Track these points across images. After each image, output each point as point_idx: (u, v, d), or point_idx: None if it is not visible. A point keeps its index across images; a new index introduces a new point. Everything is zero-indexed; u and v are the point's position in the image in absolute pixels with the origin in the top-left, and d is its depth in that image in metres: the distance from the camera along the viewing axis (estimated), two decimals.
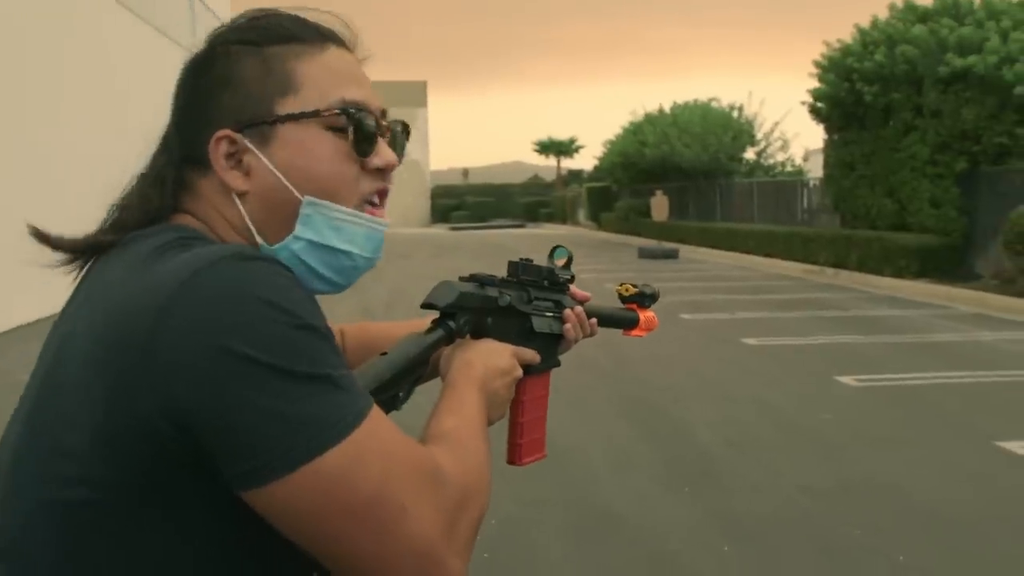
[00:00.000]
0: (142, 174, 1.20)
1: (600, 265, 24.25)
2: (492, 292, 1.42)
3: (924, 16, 19.49)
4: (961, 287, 16.51)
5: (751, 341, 11.74)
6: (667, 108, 37.47)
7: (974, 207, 18.25)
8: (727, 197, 31.66)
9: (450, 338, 1.34)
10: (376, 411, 1.03)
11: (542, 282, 1.54)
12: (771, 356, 10.78)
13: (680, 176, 34.34)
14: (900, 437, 7.19)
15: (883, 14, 20.68)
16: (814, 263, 21.13)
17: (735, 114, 35.13)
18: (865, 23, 20.91)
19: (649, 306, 1.86)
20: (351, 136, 1.16)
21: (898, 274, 18.16)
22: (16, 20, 12.06)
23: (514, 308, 1.45)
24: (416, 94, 61.04)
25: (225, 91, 1.15)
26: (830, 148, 22.42)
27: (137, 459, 0.98)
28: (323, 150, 1.15)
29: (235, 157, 1.15)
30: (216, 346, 0.94)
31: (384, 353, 1.25)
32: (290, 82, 1.15)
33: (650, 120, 37.18)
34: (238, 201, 1.16)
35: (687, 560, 4.88)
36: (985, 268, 17.67)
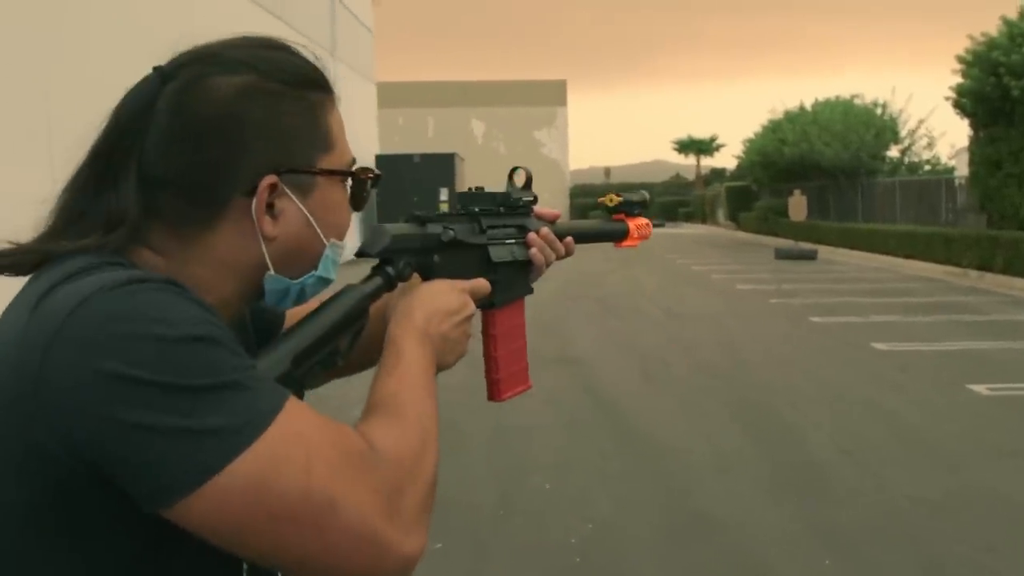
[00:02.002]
0: (80, 197, 1.13)
1: (736, 265, 23.86)
2: (435, 229, 1.35)
3: None
4: None
5: (881, 346, 11.33)
6: (808, 105, 36.58)
7: None
8: (868, 196, 30.70)
9: (390, 285, 1.30)
10: (291, 404, 1.00)
11: (497, 209, 1.47)
12: (901, 362, 10.37)
13: (820, 175, 33.46)
14: None
15: None
16: (957, 265, 20.30)
17: (879, 111, 34.01)
18: (1013, 14, 19.96)
19: (639, 213, 1.77)
20: (350, 191, 1.22)
21: None
22: (143, 19, 12.47)
23: (462, 242, 1.38)
24: (556, 93, 61.20)
25: (267, 134, 1.12)
26: (975, 145, 21.49)
27: (40, 485, 0.97)
28: (342, 202, 1.20)
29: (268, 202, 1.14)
30: (100, 370, 0.93)
31: (319, 309, 1.22)
32: (327, 137, 1.18)
33: (790, 118, 36.34)
34: (264, 247, 1.13)
35: (783, 570, 4.73)
36: None
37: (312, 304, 1.25)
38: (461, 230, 1.39)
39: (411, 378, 1.18)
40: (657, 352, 10.97)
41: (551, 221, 1.56)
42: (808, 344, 11.46)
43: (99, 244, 1.08)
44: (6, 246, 1.12)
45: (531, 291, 1.53)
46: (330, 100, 1.19)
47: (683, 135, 71.65)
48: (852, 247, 26.97)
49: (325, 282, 1.22)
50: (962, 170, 26.77)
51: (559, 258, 1.56)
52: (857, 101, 34.86)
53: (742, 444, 6.98)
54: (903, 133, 33.67)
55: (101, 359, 0.93)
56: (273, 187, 1.12)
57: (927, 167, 33.08)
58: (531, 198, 1.52)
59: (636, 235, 1.77)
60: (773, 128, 37.26)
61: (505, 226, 1.48)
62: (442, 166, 29.95)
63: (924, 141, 33.53)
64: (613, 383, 9.37)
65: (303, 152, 1.15)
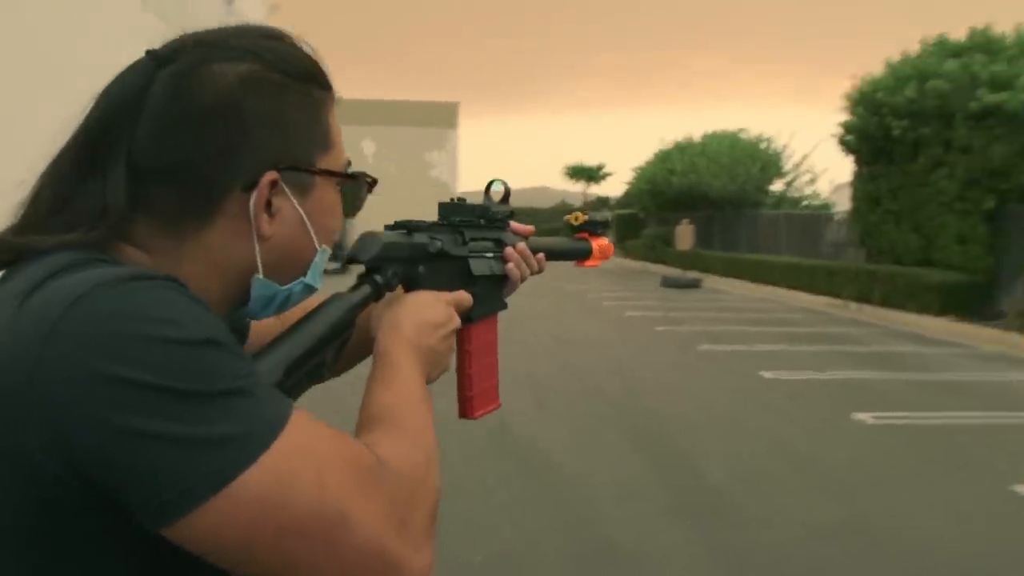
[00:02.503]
0: (58, 186, 1.04)
1: (625, 292, 24.17)
2: (421, 239, 1.32)
3: (956, 51, 19.31)
4: (985, 326, 16.27)
5: (767, 374, 11.57)
6: (697, 137, 37.40)
7: (1001, 245, 18.00)
8: (753, 228, 31.47)
9: (378, 294, 1.25)
10: (298, 414, 0.94)
11: (477, 221, 1.44)
12: (788, 391, 10.60)
13: (707, 205, 34.21)
14: (915, 477, 7.02)
15: (914, 49, 20.53)
16: (838, 297, 20.93)
17: (764, 145, 34.98)
18: (896, 58, 20.76)
19: (602, 233, 1.76)
20: (344, 196, 1.17)
21: (922, 311, 17.94)
22: (29, 20, 12.05)
23: (447, 253, 1.35)
24: (447, 115, 61.28)
25: (270, 127, 1.06)
26: (858, 182, 22.23)
27: (25, 501, 0.89)
28: (336, 206, 1.15)
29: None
30: (102, 374, 0.85)
31: (307, 317, 1.16)
32: (327, 136, 1.12)
33: (679, 148, 37.12)
34: (257, 247, 1.07)
35: None
36: (1011, 307, 17.41)
37: (296, 312, 1.20)
38: (446, 241, 1.36)
39: (408, 392, 1.14)
40: (549, 380, 10.97)
41: (525, 237, 1.53)
42: (697, 372, 11.63)
43: (83, 240, 1.00)
44: None
45: (505, 306, 1.51)
46: (330, 97, 1.14)
47: (571, 162, 72.49)
48: (737, 277, 27.60)
49: (311, 290, 1.16)
50: (842, 205, 27.65)
51: (532, 274, 1.53)
52: (743, 135, 35.82)
53: (640, 471, 7.01)
54: (787, 168, 34.68)
55: (104, 360, 0.86)
56: (273, 183, 1.05)
57: (808, 201, 34.11)
58: (508, 212, 1.49)
59: (598, 255, 1.75)
60: (662, 158, 38.00)
61: (484, 239, 1.45)
62: None
63: (807, 176, 34.58)
64: (507, 410, 9.31)
65: (304, 149, 1.09)
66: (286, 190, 1.07)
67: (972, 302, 17.80)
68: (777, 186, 34.92)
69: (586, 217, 1.74)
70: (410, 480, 1.01)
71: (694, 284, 26.57)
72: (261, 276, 1.08)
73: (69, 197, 1.02)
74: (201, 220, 1.04)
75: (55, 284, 0.92)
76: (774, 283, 24.85)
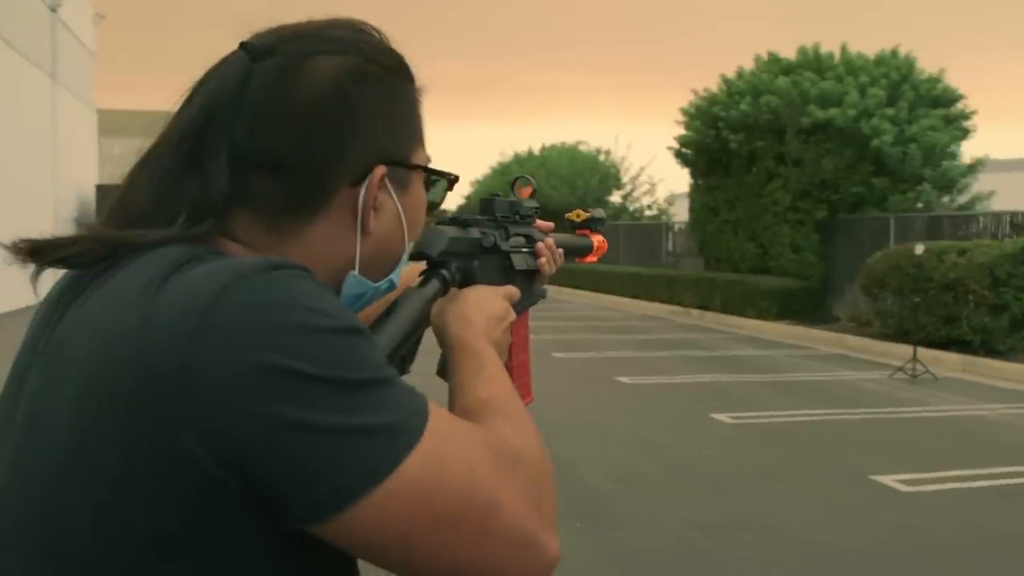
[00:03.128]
0: (160, 180, 1.02)
1: None
2: (475, 233, 1.34)
3: (787, 69, 20.26)
4: (820, 329, 17.09)
5: (625, 379, 11.87)
6: (536, 150, 37.93)
7: (832, 253, 18.98)
8: None
9: (445, 289, 1.27)
10: (432, 403, 0.94)
11: (514, 217, 1.47)
12: (646, 394, 10.92)
13: (547, 217, 34.65)
14: (780, 472, 7.35)
15: (748, 65, 21.42)
16: (679, 304, 21.59)
17: (602, 158, 35.78)
18: (731, 73, 21.63)
19: (600, 230, 1.81)
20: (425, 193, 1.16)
21: (760, 316, 18.71)
22: None
23: (498, 248, 1.38)
24: None
25: (380, 122, 1.05)
26: (695, 193, 23.01)
27: (174, 505, 0.86)
28: (423, 203, 1.14)
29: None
30: (260, 365, 0.84)
31: (387, 313, 1.16)
32: (421, 130, 1.12)
33: (518, 161, 37.57)
34: (359, 244, 1.05)
35: None
36: (842, 311, 18.37)
37: (372, 309, 1.19)
38: (497, 236, 1.39)
39: (503, 382, 1.13)
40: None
41: (546, 233, 1.57)
42: (557, 378, 11.82)
43: (188, 234, 0.97)
44: (70, 234, 1.01)
45: (536, 301, 1.54)
46: (419, 91, 1.13)
47: None
48: (578, 287, 28.10)
49: (392, 289, 1.15)
50: (680, 216, 28.51)
51: (556, 267, 1.57)
52: (582, 147, 36.53)
53: None
54: (625, 179, 35.56)
55: (260, 351, 0.84)
56: (381, 178, 1.04)
57: (646, 211, 35.03)
58: (536, 208, 1.53)
59: (597, 252, 1.81)
60: (502, 171, 38.37)
61: (517, 234, 1.48)
62: None
63: (644, 187, 35.53)
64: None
65: (404, 144, 1.09)
66: (389, 186, 1.06)
67: (806, 307, 18.69)
68: (616, 197, 35.76)
69: (588, 215, 1.79)
70: (536, 465, 1.00)
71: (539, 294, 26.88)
72: (357, 273, 1.07)
73: (167, 193, 1.00)
74: (306, 214, 1.02)
75: (187, 276, 0.90)
76: (615, 292, 25.42)
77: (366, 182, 1.04)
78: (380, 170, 1.04)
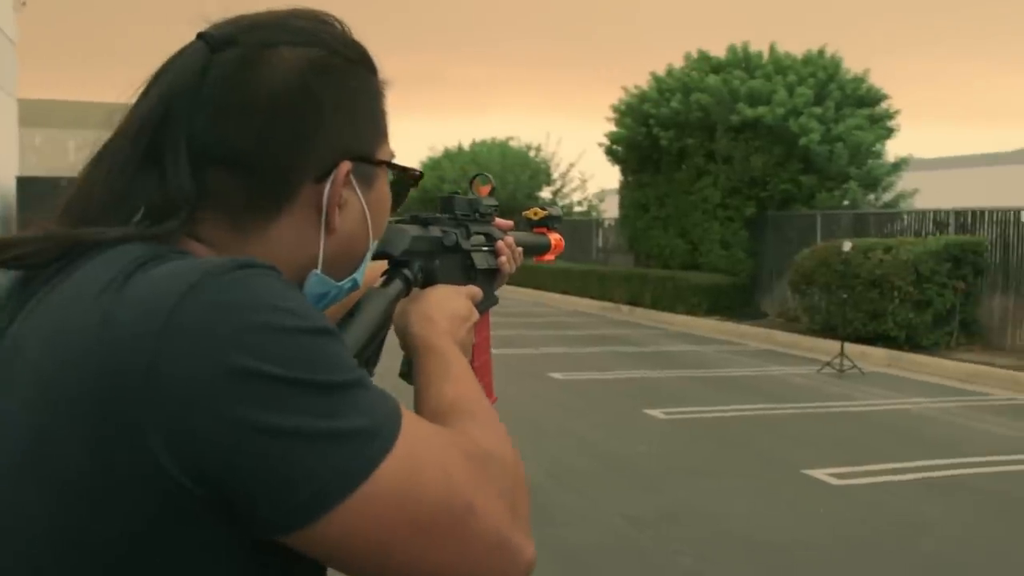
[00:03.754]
0: (114, 173, 0.97)
1: None
2: (436, 232, 1.32)
3: (717, 67, 20.47)
4: (749, 324, 17.31)
5: (557, 375, 11.90)
6: (466, 145, 37.89)
7: (761, 249, 19.22)
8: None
9: (408, 289, 1.24)
10: (404, 408, 0.91)
11: (473, 215, 1.44)
12: (579, 390, 10.95)
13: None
14: (713, 467, 7.41)
15: (678, 63, 21.60)
16: (610, 300, 21.72)
17: (532, 154, 35.85)
18: (661, 71, 21.78)
19: (557, 228, 1.78)
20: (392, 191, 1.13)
21: (690, 312, 18.88)
22: None
23: (460, 247, 1.36)
24: None
25: (344, 115, 1.01)
26: (626, 190, 23.15)
27: (137, 513, 0.82)
28: (388, 200, 1.11)
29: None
30: (229, 367, 0.80)
31: (350, 314, 1.13)
32: (384, 125, 1.08)
33: (449, 156, 37.49)
34: (323, 242, 1.01)
35: None
36: (771, 307, 18.63)
37: (333, 310, 1.16)
38: (458, 234, 1.36)
39: (469, 384, 1.11)
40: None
41: (505, 231, 1.54)
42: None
43: (148, 232, 0.93)
44: (28, 233, 0.95)
45: (497, 300, 1.50)
46: (383, 84, 1.09)
47: None
48: (508, 283, 28.09)
49: (355, 288, 1.11)
50: (610, 212, 28.68)
51: (516, 266, 1.54)
52: (513, 143, 36.57)
53: None
54: (555, 175, 35.68)
55: (228, 353, 0.80)
56: (346, 174, 1.01)
57: (577, 208, 35.20)
58: (495, 206, 1.50)
59: (554, 250, 1.78)
60: (432, 165, 38.25)
61: (478, 233, 1.45)
62: None
63: (575, 183, 35.68)
64: None
65: (369, 139, 1.05)
66: (353, 182, 1.03)
67: (735, 303, 18.92)
68: (545, 193, 35.85)
69: (545, 212, 1.75)
70: (509, 468, 0.98)
71: None
72: (319, 272, 1.03)
73: (125, 189, 0.96)
74: (269, 212, 0.98)
75: (150, 275, 0.86)
76: (546, 288, 25.49)
77: (331, 178, 1.00)
78: (345, 165, 1.01)
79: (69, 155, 52.89)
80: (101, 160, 0.98)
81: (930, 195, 19.95)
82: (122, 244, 0.91)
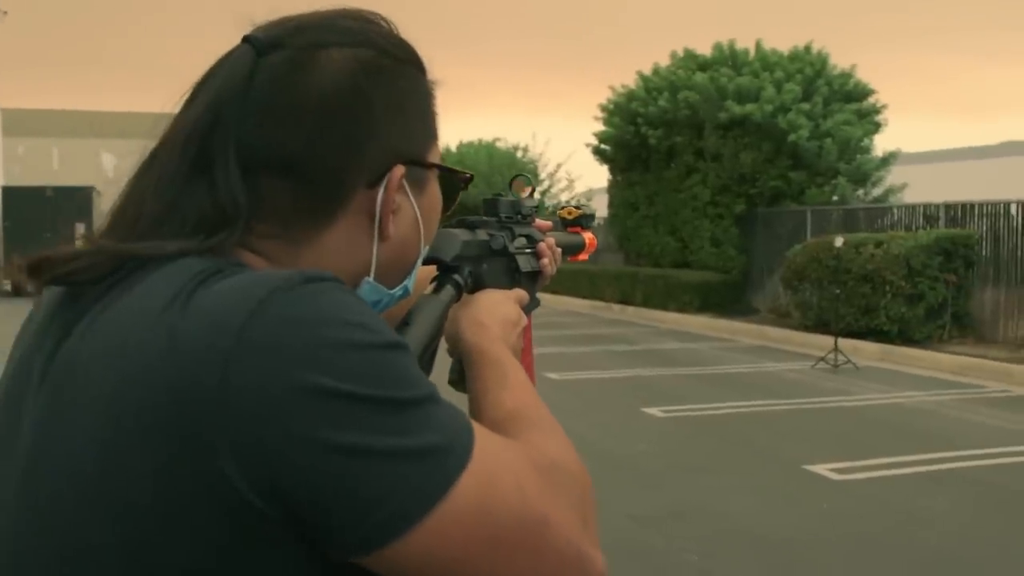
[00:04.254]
0: (165, 187, 0.94)
1: None
2: (483, 236, 1.30)
3: (704, 65, 20.50)
4: (741, 321, 17.35)
5: (553, 375, 11.89)
6: (453, 147, 37.85)
7: (752, 246, 19.27)
8: None
9: (459, 295, 1.23)
10: (473, 421, 0.90)
11: (516, 217, 1.42)
12: (575, 390, 10.95)
13: (467, 213, 34.61)
14: (715, 464, 7.44)
15: (665, 61, 21.63)
16: (600, 299, 21.73)
17: (520, 154, 35.83)
18: (647, 70, 21.81)
19: (590, 227, 1.76)
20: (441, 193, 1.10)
21: (681, 309, 18.90)
22: None
23: (506, 250, 1.34)
24: None
25: (396, 118, 0.99)
26: (615, 189, 23.17)
27: (202, 538, 0.80)
28: (439, 204, 1.08)
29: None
30: (301, 385, 0.79)
31: (405, 322, 1.11)
32: (435, 126, 1.06)
33: None
34: (376, 250, 0.99)
35: None
36: (762, 303, 18.67)
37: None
38: (504, 237, 1.35)
39: (528, 390, 1.09)
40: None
41: (544, 232, 1.52)
42: None
43: (204, 245, 0.90)
44: (77, 246, 0.94)
45: (540, 303, 1.50)
46: (432, 85, 1.06)
47: None
48: None
49: (406, 295, 1.09)
50: (599, 211, 28.64)
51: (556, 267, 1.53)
52: (500, 144, 36.53)
53: None
54: (543, 175, 35.66)
55: (302, 370, 0.79)
56: (400, 179, 0.98)
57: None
58: (535, 207, 1.49)
59: (589, 249, 1.77)
60: None
61: (520, 236, 1.44)
62: (78, 200, 28.11)
63: (563, 183, 35.68)
64: None
65: (420, 141, 1.02)
66: (406, 186, 1.00)
67: (727, 300, 18.95)
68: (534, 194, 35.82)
69: (580, 212, 1.72)
70: (578, 478, 0.96)
71: None
72: (372, 279, 1.00)
73: (175, 200, 0.93)
74: (321, 219, 0.96)
75: (214, 290, 0.84)
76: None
77: (384, 183, 0.98)
78: (399, 170, 0.98)
79: (53, 164, 52.66)
80: (149, 170, 0.96)
81: (919, 189, 20.04)
82: (180, 258, 0.89)
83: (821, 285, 14.86)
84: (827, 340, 13.00)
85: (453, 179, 1.12)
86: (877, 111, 19.67)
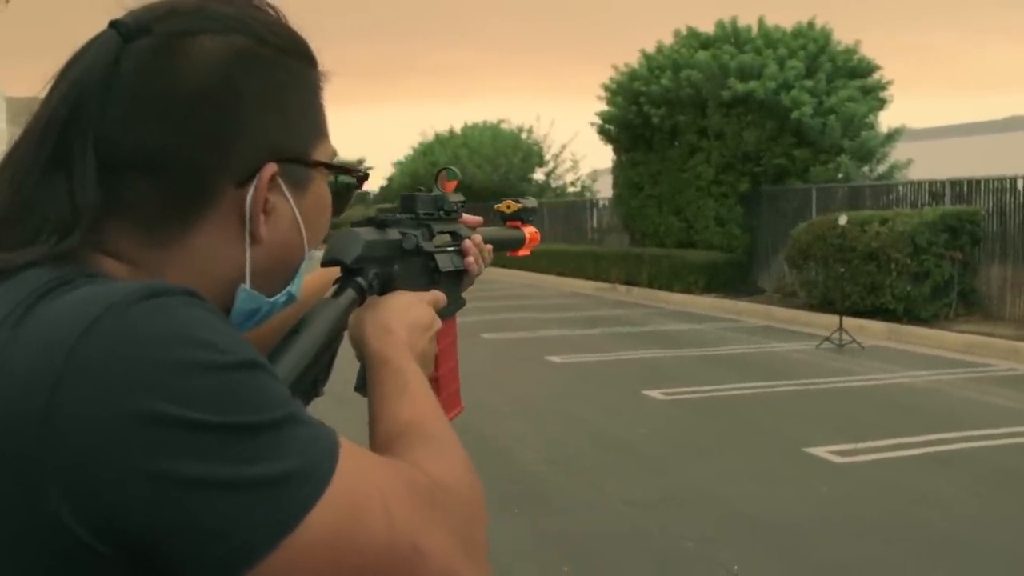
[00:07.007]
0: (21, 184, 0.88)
1: None
2: (394, 235, 1.23)
3: (706, 43, 20.33)
4: (747, 301, 17.24)
5: (555, 359, 11.82)
6: (457, 129, 37.75)
7: (756, 225, 19.13)
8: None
9: (362, 298, 1.15)
10: (343, 439, 0.83)
11: (437, 213, 1.35)
12: (577, 373, 10.88)
13: (471, 197, 34.54)
14: (714, 447, 7.35)
15: (667, 40, 21.46)
16: (606, 281, 21.63)
17: (524, 136, 35.72)
18: (650, 49, 21.64)
19: (531, 221, 1.69)
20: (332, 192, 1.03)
21: (687, 290, 18.81)
22: None
23: (421, 249, 1.26)
24: None
25: (271, 112, 0.92)
26: (619, 169, 23.03)
27: (27, 573, 0.75)
28: (328, 204, 1.01)
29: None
30: (133, 412, 0.72)
31: (295, 330, 1.03)
32: (322, 121, 0.99)
33: (441, 141, 37.37)
34: (248, 252, 0.92)
35: None
36: (768, 283, 18.55)
37: (274, 323, 1.05)
38: (419, 236, 1.27)
39: (426, 401, 1.02)
40: (336, 373, 10.78)
41: (473, 228, 1.44)
42: (487, 360, 11.70)
43: (55, 251, 0.84)
44: None
45: (464, 303, 1.41)
46: (321, 77, 0.99)
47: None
48: (504, 266, 28.04)
49: (291, 302, 1.02)
50: (603, 192, 28.57)
51: (485, 265, 1.44)
52: (504, 126, 36.43)
53: None
54: (548, 156, 35.56)
55: (136, 395, 0.72)
56: (272, 177, 0.91)
57: (571, 188, 35.09)
58: (461, 202, 1.41)
59: (528, 244, 1.69)
60: (424, 151, 38.14)
61: (442, 232, 1.35)
62: None
63: (567, 164, 35.57)
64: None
65: (301, 138, 0.95)
66: (283, 185, 0.93)
67: (732, 280, 18.84)
68: (539, 175, 35.76)
69: (519, 205, 1.66)
70: (463, 498, 0.91)
71: None
72: (248, 286, 0.94)
73: (29, 200, 0.86)
74: (187, 221, 0.89)
75: (51, 307, 0.77)
76: (542, 271, 25.39)
77: (254, 182, 0.90)
78: (270, 168, 0.91)
79: None
80: (5, 167, 0.89)
81: (924, 166, 19.85)
82: (28, 268, 0.82)
83: (826, 264, 14.74)
84: (833, 319, 12.87)
85: (353, 180, 1.06)
86: (882, 87, 19.49)
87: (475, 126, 37.21)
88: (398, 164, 42.12)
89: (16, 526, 0.73)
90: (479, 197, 34.01)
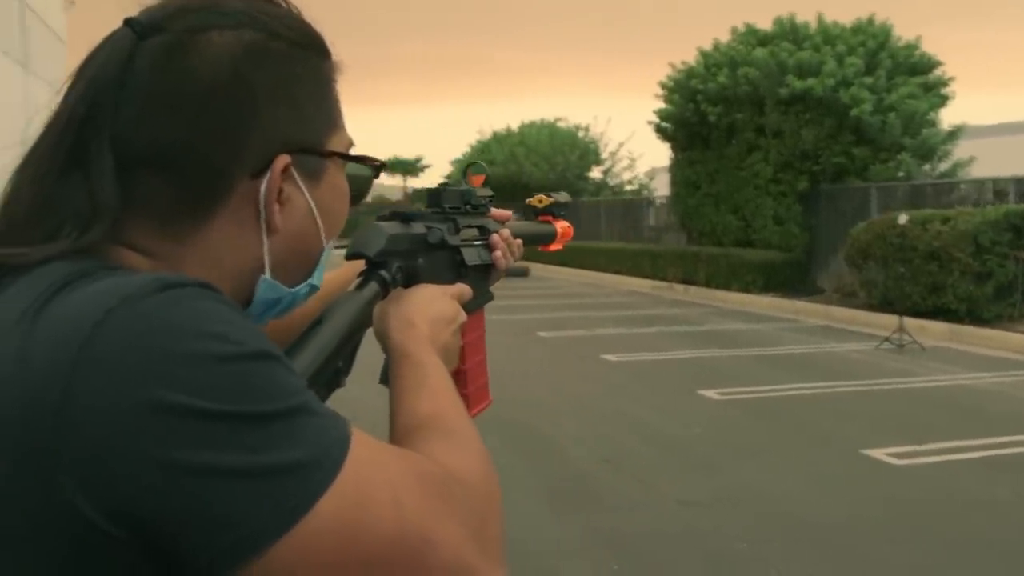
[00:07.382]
0: (37, 180, 0.91)
1: None
2: (419, 228, 1.25)
3: (764, 40, 20.14)
4: (805, 301, 17.07)
5: (611, 357, 11.80)
6: (515, 127, 37.77)
7: (815, 224, 18.92)
8: (574, 215, 31.89)
9: (386, 292, 1.17)
10: (356, 429, 0.85)
11: (464, 207, 1.37)
12: (633, 372, 10.85)
13: (528, 194, 34.58)
14: (769, 448, 7.29)
15: (724, 37, 21.30)
16: (663, 279, 21.53)
17: (581, 134, 35.66)
18: (707, 46, 21.50)
19: (563, 215, 1.71)
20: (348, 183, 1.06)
21: (745, 289, 18.67)
22: None
23: (446, 243, 1.28)
24: None
25: (280, 104, 0.94)
26: (676, 167, 22.90)
27: (63, 563, 0.77)
28: (345, 194, 1.04)
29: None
30: (146, 402, 0.74)
31: (318, 322, 1.06)
32: (336, 113, 1.01)
33: (498, 139, 37.40)
34: (266, 244, 0.95)
35: None
36: (827, 282, 18.33)
37: (296, 315, 1.08)
38: (444, 230, 1.29)
39: (446, 395, 1.05)
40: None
41: (503, 222, 1.46)
42: (543, 359, 11.74)
43: (76, 245, 0.86)
44: None
45: (492, 297, 1.44)
46: (335, 68, 1.02)
47: (387, 156, 72.04)
48: (563, 264, 28.02)
49: (314, 292, 1.05)
50: (661, 190, 28.45)
51: (514, 260, 1.46)
52: (561, 124, 36.40)
53: (509, 461, 6.99)
54: (604, 155, 35.46)
55: (149, 386, 0.74)
56: (285, 168, 0.94)
57: (628, 187, 34.95)
58: (490, 197, 1.43)
59: (561, 239, 1.71)
60: (481, 148, 38.20)
61: (469, 226, 1.37)
62: None
63: (624, 162, 35.44)
64: (356, 402, 9.20)
65: (314, 129, 0.98)
66: (296, 176, 0.96)
67: (790, 279, 18.65)
68: (596, 173, 35.67)
69: (550, 200, 1.68)
70: (478, 491, 0.93)
71: (522, 273, 26.79)
72: (268, 276, 0.96)
73: (49, 198, 0.89)
74: (202, 213, 0.92)
75: (69, 299, 0.80)
76: (600, 269, 25.35)
77: (267, 174, 0.93)
78: (282, 159, 0.93)
79: None
80: (26, 167, 0.91)
81: (987, 163, 19.48)
82: (49, 263, 0.85)
83: (886, 263, 14.53)
84: (892, 319, 12.71)
85: (370, 170, 1.09)
86: (944, 83, 19.17)
87: (532, 124, 37.21)
88: (456, 162, 42.25)
89: (34, 514, 0.76)
90: (530, 195, 33.91)
